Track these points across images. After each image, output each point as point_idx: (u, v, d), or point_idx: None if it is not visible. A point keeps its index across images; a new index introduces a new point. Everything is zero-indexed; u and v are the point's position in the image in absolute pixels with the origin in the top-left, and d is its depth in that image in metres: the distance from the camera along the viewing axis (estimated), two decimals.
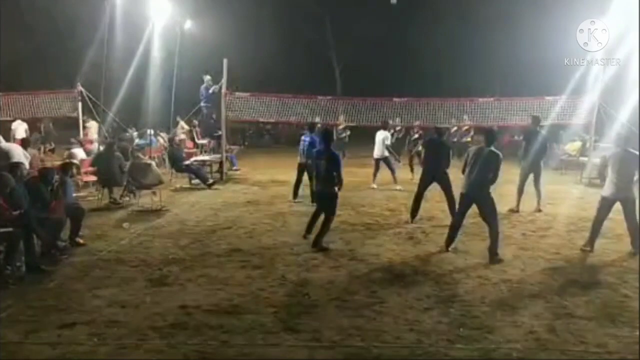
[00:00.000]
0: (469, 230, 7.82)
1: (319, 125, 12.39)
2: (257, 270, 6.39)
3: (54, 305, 5.26)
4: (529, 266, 6.63)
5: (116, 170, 10.22)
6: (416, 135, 14.68)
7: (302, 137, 10.75)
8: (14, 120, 16.19)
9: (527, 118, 12.04)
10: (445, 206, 8.81)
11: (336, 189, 7.25)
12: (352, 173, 13.04)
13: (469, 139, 17.91)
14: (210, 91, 15.99)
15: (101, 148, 12.68)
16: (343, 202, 7.65)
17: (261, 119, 16.69)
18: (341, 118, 16.49)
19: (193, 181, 12.80)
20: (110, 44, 16.16)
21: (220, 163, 14.07)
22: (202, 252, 7.12)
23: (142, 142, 15.69)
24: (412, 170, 13.83)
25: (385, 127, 12.57)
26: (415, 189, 9.07)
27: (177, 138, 14.55)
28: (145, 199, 10.17)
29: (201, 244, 7.56)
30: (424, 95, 15.96)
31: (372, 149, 12.56)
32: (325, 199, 7.35)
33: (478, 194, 6.87)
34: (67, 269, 6.41)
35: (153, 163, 11.10)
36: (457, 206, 7.53)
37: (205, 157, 14.99)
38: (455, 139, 17.94)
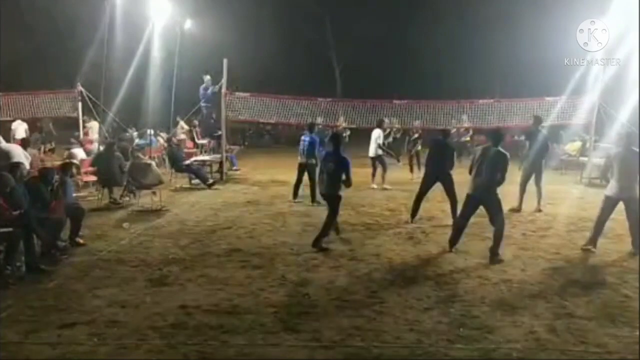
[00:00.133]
0: (469, 231, 7.78)
1: (319, 125, 12.38)
2: (257, 270, 6.39)
3: (54, 305, 5.26)
4: (529, 266, 6.62)
5: (116, 170, 10.22)
6: (416, 135, 14.66)
7: (302, 137, 10.78)
8: (14, 121, 16.14)
9: (527, 119, 12.04)
10: (445, 206, 8.81)
11: (341, 191, 7.32)
12: (352, 173, 12.94)
13: (467, 139, 17.92)
14: (209, 91, 15.99)
15: (101, 148, 12.68)
16: (343, 202, 7.65)
17: (261, 120, 16.66)
18: (341, 119, 16.49)
19: (193, 181, 12.81)
20: (110, 44, 16.15)
21: (220, 163, 14.07)
22: (202, 252, 7.12)
23: (142, 142, 15.68)
24: (411, 170, 13.83)
25: (380, 125, 12.56)
26: (415, 188, 9.07)
27: (175, 138, 14.54)
28: (145, 199, 10.17)
29: (201, 244, 7.56)
30: (424, 95, 15.96)
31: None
32: (332, 199, 7.40)
33: (485, 195, 6.80)
34: (67, 269, 6.42)
35: (153, 163, 11.10)
36: (461, 207, 7.46)
37: (205, 157, 15.00)
38: (455, 139, 17.92)
